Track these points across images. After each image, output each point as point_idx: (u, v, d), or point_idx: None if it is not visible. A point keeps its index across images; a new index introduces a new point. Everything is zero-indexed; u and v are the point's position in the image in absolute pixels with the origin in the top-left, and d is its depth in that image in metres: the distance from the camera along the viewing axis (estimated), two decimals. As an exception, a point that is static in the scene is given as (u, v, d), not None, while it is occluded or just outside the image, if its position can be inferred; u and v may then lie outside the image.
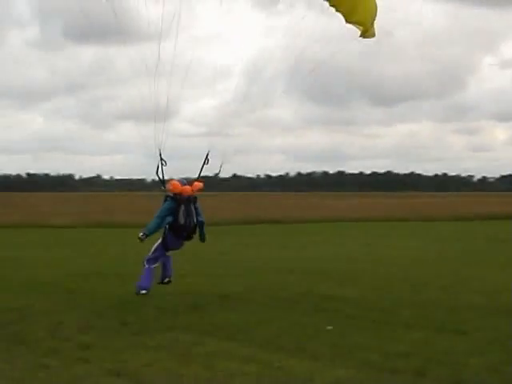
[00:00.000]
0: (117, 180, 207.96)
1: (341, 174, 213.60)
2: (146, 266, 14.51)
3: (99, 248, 27.35)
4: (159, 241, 14.55)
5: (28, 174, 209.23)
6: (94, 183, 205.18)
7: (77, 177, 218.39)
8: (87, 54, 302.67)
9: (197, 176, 14.87)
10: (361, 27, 14.10)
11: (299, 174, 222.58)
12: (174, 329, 11.18)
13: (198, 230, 14.61)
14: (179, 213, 14.30)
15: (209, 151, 14.75)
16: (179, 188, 14.35)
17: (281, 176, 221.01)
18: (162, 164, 14.57)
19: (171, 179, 14.66)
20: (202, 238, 14.80)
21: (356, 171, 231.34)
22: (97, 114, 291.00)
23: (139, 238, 14.06)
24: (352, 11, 13.80)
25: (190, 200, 14.46)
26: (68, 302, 13.42)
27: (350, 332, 11.08)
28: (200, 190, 14.68)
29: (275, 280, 17.20)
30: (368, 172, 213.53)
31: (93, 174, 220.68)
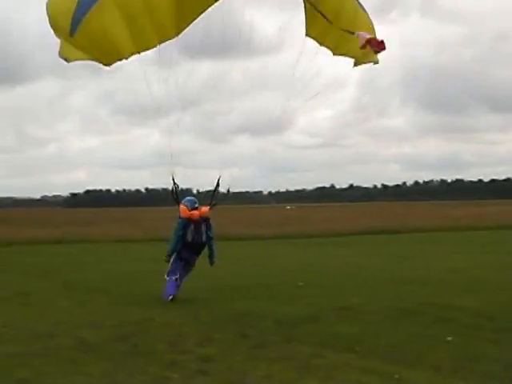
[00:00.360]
0: (233, 193, 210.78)
1: (459, 182, 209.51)
2: (167, 278, 15.61)
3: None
4: (175, 254, 15.54)
5: (147, 189, 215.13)
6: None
7: (194, 191, 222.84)
8: (202, 68, 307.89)
9: (210, 202, 15.81)
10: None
11: (416, 184, 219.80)
12: (292, 340, 11.09)
13: (208, 248, 15.74)
14: (188, 231, 15.50)
15: (220, 176, 15.88)
16: (187, 213, 15.47)
17: (397, 186, 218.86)
18: (175, 188, 15.63)
19: (182, 203, 15.67)
20: (211, 261, 15.89)
21: (475, 179, 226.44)
22: (213, 128, 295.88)
23: (165, 260, 15.67)
24: (338, 45, 13.53)
25: (200, 221, 15.49)
26: (187, 315, 13.49)
27: (471, 343, 10.76)
28: (206, 215, 15.57)
29: (393, 290, 16.83)
30: (487, 179, 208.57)
31: (210, 188, 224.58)
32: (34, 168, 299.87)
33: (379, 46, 12.06)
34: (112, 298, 16.47)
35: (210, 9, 12.55)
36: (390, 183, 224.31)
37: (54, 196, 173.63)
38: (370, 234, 44.55)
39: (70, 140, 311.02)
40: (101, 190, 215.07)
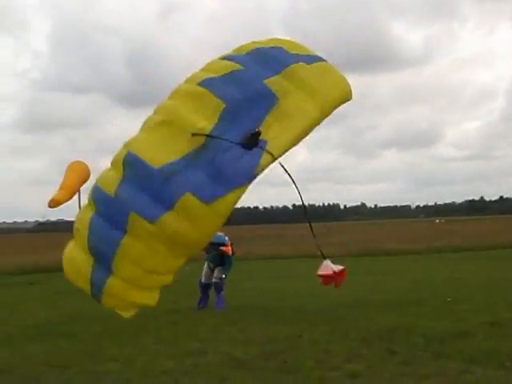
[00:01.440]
0: (380, 208, 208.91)
1: None
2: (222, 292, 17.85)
3: (358, 277, 27.30)
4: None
5: (294, 205, 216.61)
6: (359, 212, 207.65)
7: (342, 206, 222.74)
8: (350, 83, 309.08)
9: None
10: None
11: None
12: (441, 357, 10.86)
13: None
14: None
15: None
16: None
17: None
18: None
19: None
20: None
21: None
22: (360, 143, 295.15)
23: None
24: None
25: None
26: (334, 331, 13.46)
27: None
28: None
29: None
30: None
31: (357, 203, 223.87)
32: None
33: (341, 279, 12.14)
34: (261, 315, 16.66)
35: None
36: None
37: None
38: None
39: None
40: (249, 207, 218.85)
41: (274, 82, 5.16)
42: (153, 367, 10.72)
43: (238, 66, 5.22)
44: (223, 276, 17.84)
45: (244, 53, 5.50)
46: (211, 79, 5.15)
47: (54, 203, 15.71)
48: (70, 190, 16.67)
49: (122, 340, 13.13)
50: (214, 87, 5.06)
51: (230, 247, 17.86)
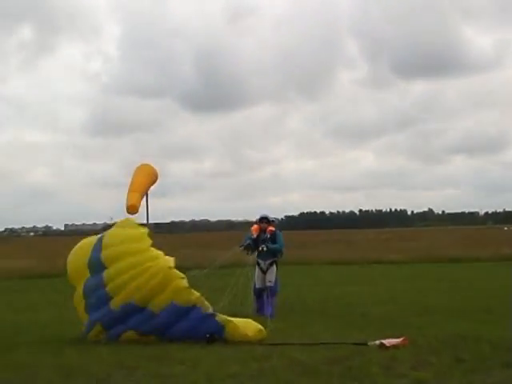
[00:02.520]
0: (448, 214, 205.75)
1: None
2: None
3: (425, 283, 26.90)
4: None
5: (360, 211, 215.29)
6: (427, 217, 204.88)
7: (409, 212, 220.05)
8: (416, 88, 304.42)
9: None
10: None
11: None
12: (510, 366, 10.56)
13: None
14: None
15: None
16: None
17: None
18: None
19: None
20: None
21: None
22: (426, 148, 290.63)
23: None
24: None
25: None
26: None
27: None
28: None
29: None
30: None
31: (425, 209, 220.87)
32: (250, 191, 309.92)
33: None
34: (328, 320, 16.58)
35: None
36: None
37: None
38: None
39: (285, 162, 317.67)
40: (315, 212, 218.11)
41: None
42: (218, 371, 10.68)
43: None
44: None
45: None
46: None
47: (132, 209, 16.00)
48: (142, 193, 16.93)
49: (189, 343, 13.17)
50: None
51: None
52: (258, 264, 17.58)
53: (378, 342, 12.52)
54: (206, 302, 13.46)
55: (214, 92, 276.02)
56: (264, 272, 17.59)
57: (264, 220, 17.73)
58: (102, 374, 10.74)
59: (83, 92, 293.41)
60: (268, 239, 17.41)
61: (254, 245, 17.45)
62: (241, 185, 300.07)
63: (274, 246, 17.49)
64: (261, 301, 17.33)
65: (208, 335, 13.22)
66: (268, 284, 17.44)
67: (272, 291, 17.42)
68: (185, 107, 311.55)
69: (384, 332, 13.80)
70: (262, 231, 17.50)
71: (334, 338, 13.42)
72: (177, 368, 11.00)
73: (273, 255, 17.54)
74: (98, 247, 13.90)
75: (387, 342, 12.45)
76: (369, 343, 12.55)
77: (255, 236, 17.44)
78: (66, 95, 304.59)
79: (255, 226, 17.66)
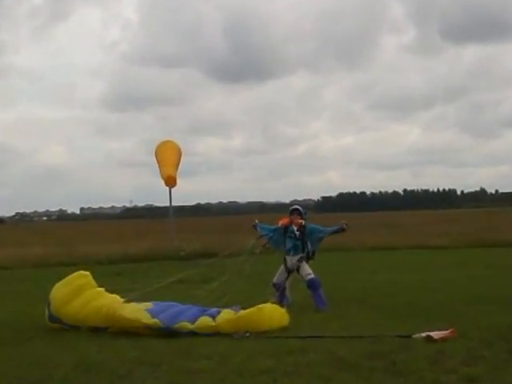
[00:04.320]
0: (502, 194, 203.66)
1: None
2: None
3: (477, 270, 26.64)
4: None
5: (405, 191, 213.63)
6: (478, 198, 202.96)
7: (459, 192, 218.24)
8: (467, 55, 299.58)
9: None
10: None
11: None
12: None
13: None
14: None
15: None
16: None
17: None
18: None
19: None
20: None
21: None
22: (479, 121, 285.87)
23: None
24: None
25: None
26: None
27: None
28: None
29: None
30: None
31: (477, 188, 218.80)
32: (284, 170, 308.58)
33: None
34: (370, 310, 16.56)
35: None
36: None
37: (305, 200, 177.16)
38: None
39: (323, 138, 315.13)
40: (355, 193, 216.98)
41: None
42: (250, 366, 10.72)
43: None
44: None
45: None
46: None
47: (170, 180, 15.96)
48: (175, 167, 16.99)
49: (217, 337, 13.24)
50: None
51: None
52: (285, 261, 17.56)
53: (424, 334, 12.50)
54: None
55: (244, 61, 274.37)
56: (289, 271, 17.51)
57: (295, 212, 17.68)
58: (123, 370, 10.83)
59: (100, 62, 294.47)
60: (296, 233, 17.34)
61: (277, 236, 17.79)
62: (273, 163, 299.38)
63: (313, 247, 17.58)
64: (279, 295, 17.23)
65: (247, 334, 13.23)
66: (308, 278, 17.26)
67: (315, 284, 17.26)
68: (212, 78, 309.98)
69: (431, 323, 13.76)
70: (290, 224, 17.48)
71: (376, 330, 13.42)
72: (203, 363, 11.05)
73: (301, 251, 17.45)
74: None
75: (434, 334, 12.42)
76: (414, 336, 12.53)
77: (283, 227, 17.45)
78: (81, 66, 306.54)
79: (285, 219, 17.62)
